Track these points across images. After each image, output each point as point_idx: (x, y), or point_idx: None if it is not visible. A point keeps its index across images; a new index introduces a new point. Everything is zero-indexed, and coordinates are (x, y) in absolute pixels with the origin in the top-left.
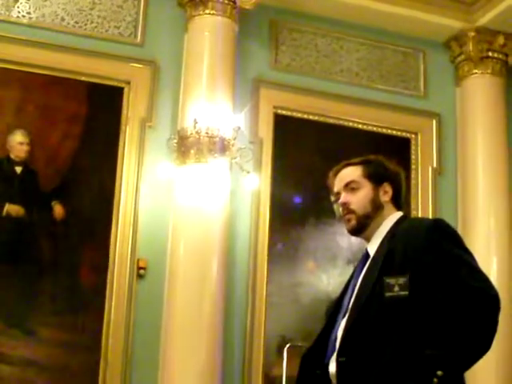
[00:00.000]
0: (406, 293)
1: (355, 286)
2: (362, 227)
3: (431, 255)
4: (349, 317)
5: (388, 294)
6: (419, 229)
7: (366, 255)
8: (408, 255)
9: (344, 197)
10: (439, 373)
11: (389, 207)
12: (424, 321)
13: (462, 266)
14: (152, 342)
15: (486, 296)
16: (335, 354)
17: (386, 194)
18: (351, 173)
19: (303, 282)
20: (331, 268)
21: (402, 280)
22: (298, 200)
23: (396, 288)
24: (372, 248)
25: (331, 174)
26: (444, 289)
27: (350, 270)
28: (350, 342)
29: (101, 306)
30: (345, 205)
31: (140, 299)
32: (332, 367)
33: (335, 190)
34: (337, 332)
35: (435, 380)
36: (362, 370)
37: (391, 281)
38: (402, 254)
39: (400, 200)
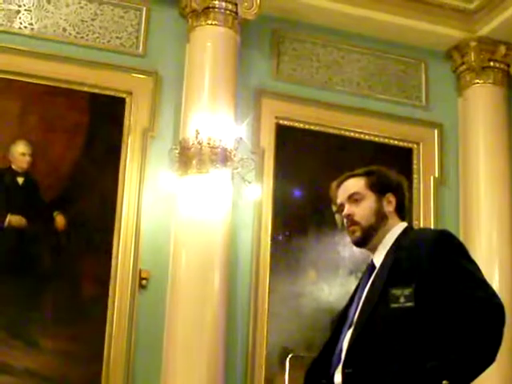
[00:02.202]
0: (412, 304)
1: (361, 297)
2: (366, 239)
3: (437, 266)
4: (354, 328)
5: (393, 306)
6: (425, 240)
7: (372, 266)
8: (413, 266)
9: (348, 208)
10: (445, 382)
11: (393, 217)
12: (429, 331)
13: (467, 277)
14: (154, 352)
15: (491, 306)
16: (341, 365)
17: (389, 204)
18: (354, 184)
19: (305, 293)
20: (333, 278)
21: (407, 291)
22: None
23: (402, 299)
24: (377, 259)
25: (334, 185)
26: (449, 299)
27: (352, 280)
28: (356, 353)
29: (103, 316)
30: (349, 216)
31: (142, 310)
32: (337, 378)
33: (338, 201)
34: (342, 343)
35: None
36: (368, 381)
37: (397, 292)
38: (408, 265)
39: (403, 210)
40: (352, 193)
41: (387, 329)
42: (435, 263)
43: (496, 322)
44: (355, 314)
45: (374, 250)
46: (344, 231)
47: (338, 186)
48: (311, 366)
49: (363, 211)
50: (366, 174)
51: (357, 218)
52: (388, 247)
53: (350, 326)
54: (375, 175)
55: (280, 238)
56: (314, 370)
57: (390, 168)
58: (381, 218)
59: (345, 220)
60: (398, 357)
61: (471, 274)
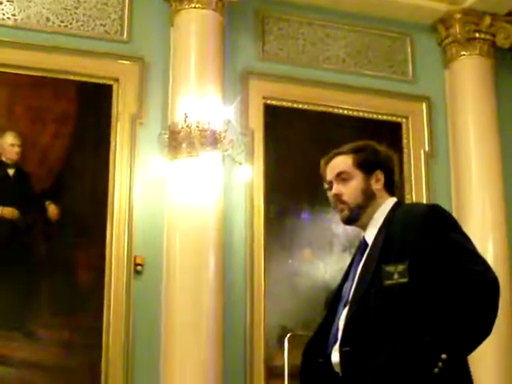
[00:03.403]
0: (406, 280)
1: (355, 274)
2: (355, 217)
3: (429, 241)
4: (350, 307)
5: (388, 282)
6: (416, 215)
7: (364, 243)
8: (406, 242)
9: (335, 188)
10: (443, 356)
11: (382, 194)
12: (425, 307)
13: (460, 251)
14: (152, 337)
15: (485, 279)
16: (338, 344)
17: (378, 181)
18: (342, 163)
19: (301, 271)
20: (328, 256)
21: (401, 267)
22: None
23: (395, 276)
24: (369, 236)
25: (322, 162)
26: (444, 274)
27: (346, 257)
28: (353, 331)
29: (99, 304)
30: (337, 196)
31: (138, 296)
32: (335, 357)
33: (327, 179)
34: (338, 322)
35: (440, 364)
36: (366, 359)
37: (390, 269)
38: (400, 241)
39: (393, 185)
40: (339, 171)
41: (382, 306)
42: (427, 238)
43: (491, 295)
44: (350, 292)
45: (364, 227)
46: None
47: (327, 163)
48: (307, 345)
49: (351, 191)
50: (354, 152)
51: (344, 197)
52: (379, 223)
53: (345, 305)
54: (363, 152)
55: (273, 217)
56: (310, 349)
57: (379, 143)
58: (368, 196)
59: (333, 199)
60: (394, 333)
61: (464, 247)
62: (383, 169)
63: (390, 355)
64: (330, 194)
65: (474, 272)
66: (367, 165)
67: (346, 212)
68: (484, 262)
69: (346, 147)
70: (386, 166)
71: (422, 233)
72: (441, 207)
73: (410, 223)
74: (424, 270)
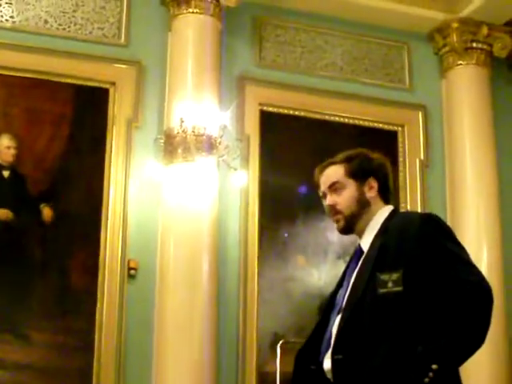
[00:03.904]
0: (400, 288)
1: (349, 282)
2: (350, 226)
3: (424, 250)
4: (343, 314)
5: (382, 291)
6: (412, 224)
7: (360, 250)
8: (401, 251)
9: (329, 199)
10: (434, 366)
11: (376, 202)
12: (418, 316)
13: (455, 261)
14: (144, 341)
15: (479, 289)
16: (330, 351)
17: (371, 189)
18: (334, 173)
19: (294, 278)
20: (322, 263)
21: (395, 276)
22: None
23: (390, 284)
24: (365, 244)
25: (316, 171)
26: (438, 283)
27: (340, 264)
28: (345, 339)
29: (92, 307)
30: (331, 206)
31: (131, 300)
32: (327, 364)
33: (321, 189)
34: (331, 329)
35: (430, 374)
36: (358, 367)
37: (385, 277)
38: (395, 249)
39: (388, 192)
40: (332, 182)
41: (376, 314)
42: (422, 247)
43: (485, 305)
44: (344, 300)
45: (360, 234)
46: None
47: (320, 172)
48: (300, 352)
49: (344, 200)
50: (346, 161)
51: (339, 207)
52: (375, 231)
53: (338, 312)
54: (355, 161)
55: (267, 223)
56: (302, 355)
57: (374, 151)
58: (362, 205)
59: (327, 210)
60: (387, 342)
61: (459, 257)
62: (376, 176)
63: (387, 358)
64: (324, 203)
65: (469, 282)
66: (359, 173)
67: (342, 222)
68: (478, 273)
69: (338, 157)
70: (378, 173)
71: (417, 241)
72: (436, 216)
73: (405, 232)
74: (418, 279)
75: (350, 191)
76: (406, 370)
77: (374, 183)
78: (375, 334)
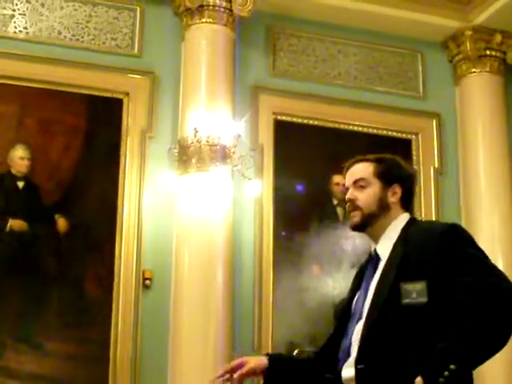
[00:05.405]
0: (425, 300)
1: (367, 289)
2: (365, 225)
3: (448, 260)
4: (365, 323)
5: (406, 301)
6: (435, 234)
7: (376, 256)
8: (425, 261)
9: (351, 193)
10: (452, 366)
11: (396, 208)
12: (443, 327)
13: (476, 263)
14: (160, 351)
15: (503, 290)
16: (351, 360)
17: (394, 195)
18: (363, 169)
19: (309, 287)
20: (336, 272)
21: (419, 286)
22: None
23: (414, 294)
24: (382, 250)
25: (346, 165)
26: (461, 287)
27: (354, 273)
28: (369, 349)
29: (107, 317)
30: (351, 201)
31: (146, 310)
32: (346, 373)
33: (346, 184)
34: (351, 337)
35: (446, 373)
36: (382, 377)
37: (408, 287)
38: (418, 259)
39: (410, 202)
40: (358, 178)
41: (400, 325)
42: (447, 257)
43: (507, 305)
44: (363, 308)
45: (375, 238)
46: (345, 223)
47: (348, 168)
48: (313, 360)
49: (366, 198)
50: (377, 161)
51: (359, 202)
52: (394, 239)
53: (358, 320)
54: (385, 164)
55: (282, 233)
56: (316, 363)
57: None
58: (383, 207)
59: (347, 204)
60: (411, 352)
61: (480, 260)
62: (402, 184)
63: (411, 369)
64: (339, 208)
65: (492, 284)
66: (387, 176)
67: (357, 219)
68: (500, 273)
69: (371, 155)
70: (405, 182)
71: (441, 252)
72: (460, 226)
73: (429, 242)
74: (443, 289)
75: (373, 190)
76: (423, 367)
77: (398, 190)
78: (399, 345)
